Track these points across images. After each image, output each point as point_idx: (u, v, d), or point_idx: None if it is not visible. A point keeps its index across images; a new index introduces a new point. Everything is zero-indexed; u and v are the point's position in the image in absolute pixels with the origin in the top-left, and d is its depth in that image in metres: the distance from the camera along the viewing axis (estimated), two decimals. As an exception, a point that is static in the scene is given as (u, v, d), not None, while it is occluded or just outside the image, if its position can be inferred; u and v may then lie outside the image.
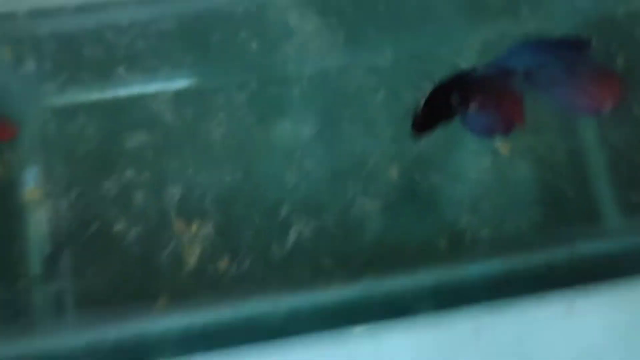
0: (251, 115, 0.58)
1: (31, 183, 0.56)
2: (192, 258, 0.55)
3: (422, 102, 0.53)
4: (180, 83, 0.59)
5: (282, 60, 0.59)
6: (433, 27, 0.60)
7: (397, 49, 0.58)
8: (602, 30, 0.58)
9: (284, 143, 0.57)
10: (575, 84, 0.53)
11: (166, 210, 0.56)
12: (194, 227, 0.56)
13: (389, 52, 0.59)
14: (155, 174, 0.57)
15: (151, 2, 0.60)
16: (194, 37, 0.59)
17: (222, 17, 0.60)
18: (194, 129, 0.57)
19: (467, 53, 0.57)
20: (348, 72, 0.59)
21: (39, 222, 0.55)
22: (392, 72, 0.58)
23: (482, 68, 0.55)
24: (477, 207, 0.56)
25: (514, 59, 0.54)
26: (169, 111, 0.58)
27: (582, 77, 0.54)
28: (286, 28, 0.59)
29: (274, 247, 0.55)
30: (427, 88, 0.53)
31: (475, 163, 0.57)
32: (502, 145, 0.57)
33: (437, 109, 0.53)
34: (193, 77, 0.59)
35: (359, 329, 0.50)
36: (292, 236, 0.55)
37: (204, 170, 0.57)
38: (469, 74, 0.54)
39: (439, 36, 0.59)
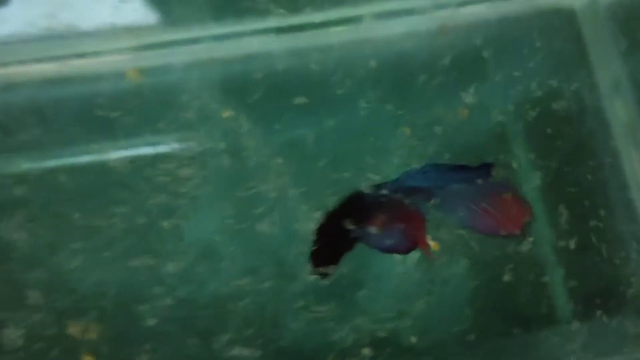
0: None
1: None
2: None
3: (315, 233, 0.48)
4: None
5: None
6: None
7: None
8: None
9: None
10: (477, 206, 0.49)
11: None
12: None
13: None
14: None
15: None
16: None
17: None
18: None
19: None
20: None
21: None
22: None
23: (381, 188, 0.50)
24: (402, 311, 0.51)
25: (414, 179, 0.50)
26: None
27: (484, 200, 0.49)
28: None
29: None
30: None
31: (401, 260, 0.52)
32: (430, 239, 0.52)
33: (332, 237, 0.48)
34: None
35: None
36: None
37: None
38: (364, 195, 0.50)
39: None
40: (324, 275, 0.49)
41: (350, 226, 0.48)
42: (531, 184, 0.54)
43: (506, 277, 0.52)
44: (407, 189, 0.49)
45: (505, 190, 0.50)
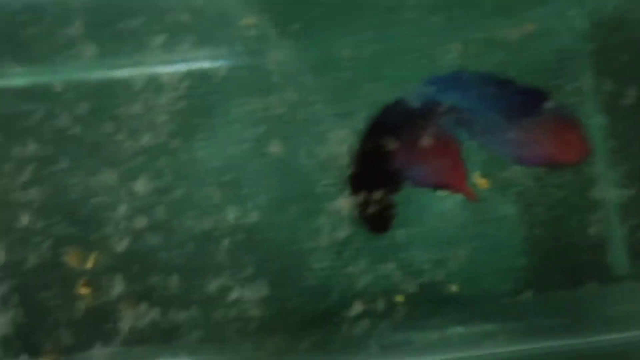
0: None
1: None
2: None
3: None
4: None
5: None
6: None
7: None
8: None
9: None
10: (523, 133, 0.42)
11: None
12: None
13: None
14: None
15: None
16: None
17: None
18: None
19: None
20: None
21: None
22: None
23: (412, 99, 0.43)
24: (443, 256, 0.44)
25: (443, 90, 0.42)
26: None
27: (533, 125, 0.42)
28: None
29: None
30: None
31: (446, 197, 0.45)
32: (479, 176, 0.45)
33: (372, 159, 0.42)
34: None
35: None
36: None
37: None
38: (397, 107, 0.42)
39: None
40: (365, 206, 0.43)
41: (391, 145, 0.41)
42: (597, 119, 0.46)
43: (566, 225, 0.45)
44: (433, 104, 0.42)
45: (563, 119, 0.43)
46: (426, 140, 0.43)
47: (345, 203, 0.45)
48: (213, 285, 0.44)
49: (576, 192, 0.45)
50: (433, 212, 0.45)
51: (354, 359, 0.43)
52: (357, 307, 0.43)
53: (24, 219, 0.45)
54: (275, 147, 0.46)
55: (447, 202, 0.45)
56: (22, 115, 0.46)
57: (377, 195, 0.43)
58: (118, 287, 0.44)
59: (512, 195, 0.45)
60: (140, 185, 0.45)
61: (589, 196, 0.45)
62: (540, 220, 0.45)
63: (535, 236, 0.45)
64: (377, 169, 0.42)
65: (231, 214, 0.45)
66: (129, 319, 0.44)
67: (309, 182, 0.45)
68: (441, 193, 0.45)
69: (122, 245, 0.45)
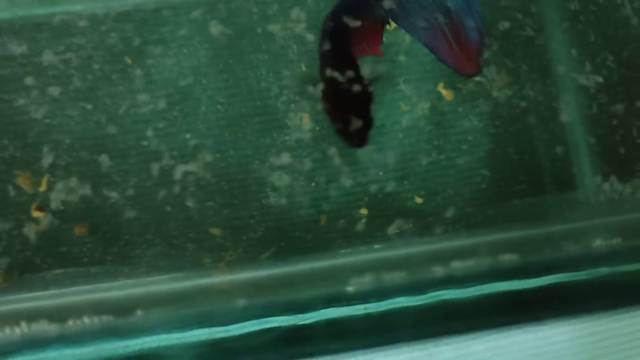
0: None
1: None
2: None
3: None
4: None
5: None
6: None
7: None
8: None
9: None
10: (439, 28, 0.41)
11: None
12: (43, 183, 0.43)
13: None
14: None
15: None
16: None
17: None
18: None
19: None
20: None
21: None
22: None
23: None
24: (407, 169, 0.44)
25: None
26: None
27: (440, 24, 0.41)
28: None
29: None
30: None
31: (409, 110, 0.44)
32: (444, 87, 0.44)
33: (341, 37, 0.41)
34: None
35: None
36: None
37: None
38: None
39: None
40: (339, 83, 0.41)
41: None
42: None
43: (530, 137, 0.44)
44: None
45: (467, 31, 0.42)
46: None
47: (306, 118, 0.43)
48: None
49: (542, 104, 0.44)
50: (397, 126, 0.44)
51: (316, 264, 0.42)
52: (322, 220, 0.43)
53: (-29, 142, 0.43)
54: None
55: (410, 115, 0.44)
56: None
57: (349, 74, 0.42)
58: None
59: (476, 107, 0.44)
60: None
61: (555, 108, 0.45)
62: (504, 133, 0.44)
63: (498, 148, 0.44)
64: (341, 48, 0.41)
65: (188, 135, 0.44)
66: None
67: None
68: (404, 107, 0.44)
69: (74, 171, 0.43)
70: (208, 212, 0.43)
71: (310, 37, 0.44)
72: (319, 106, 0.43)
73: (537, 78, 0.44)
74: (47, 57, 0.44)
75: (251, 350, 0.39)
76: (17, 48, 0.44)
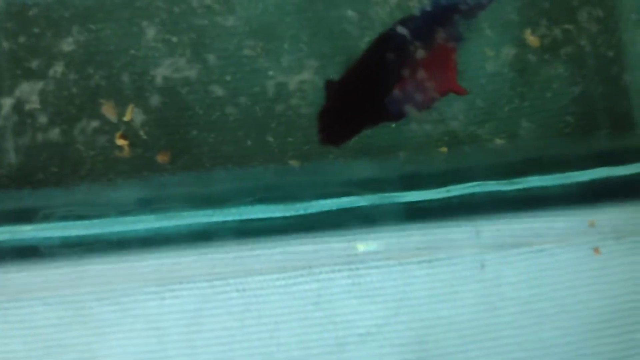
0: None
1: None
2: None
3: None
4: None
5: None
6: None
7: None
8: None
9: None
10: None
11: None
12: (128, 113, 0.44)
13: None
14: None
15: None
16: None
17: None
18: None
19: None
20: None
21: None
22: None
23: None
24: (490, 114, 0.43)
25: None
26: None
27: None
28: None
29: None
30: None
31: (494, 56, 0.44)
32: (530, 33, 0.44)
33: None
34: None
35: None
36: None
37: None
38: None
39: None
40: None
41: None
42: None
43: (615, 86, 0.44)
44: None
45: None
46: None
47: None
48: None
49: (631, 53, 0.44)
50: (481, 71, 0.43)
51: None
52: (402, 150, 0.43)
53: (59, 69, 0.44)
54: None
55: (495, 61, 0.43)
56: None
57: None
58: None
59: (562, 55, 0.43)
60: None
61: None
62: (590, 81, 0.43)
63: (583, 96, 0.43)
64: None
65: (270, 72, 0.44)
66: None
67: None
68: (489, 52, 0.43)
69: (155, 99, 0.44)
70: (287, 147, 0.43)
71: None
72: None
73: (627, 27, 0.44)
74: (137, -11, 0.44)
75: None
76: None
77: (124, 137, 0.44)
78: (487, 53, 0.44)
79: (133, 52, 0.44)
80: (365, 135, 0.43)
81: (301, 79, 0.44)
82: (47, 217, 0.42)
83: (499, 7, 0.44)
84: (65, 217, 0.42)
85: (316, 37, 0.44)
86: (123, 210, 0.42)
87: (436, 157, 0.43)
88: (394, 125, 0.43)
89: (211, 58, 0.44)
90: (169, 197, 0.43)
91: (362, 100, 0.42)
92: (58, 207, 0.43)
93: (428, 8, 0.42)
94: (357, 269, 0.41)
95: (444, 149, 0.43)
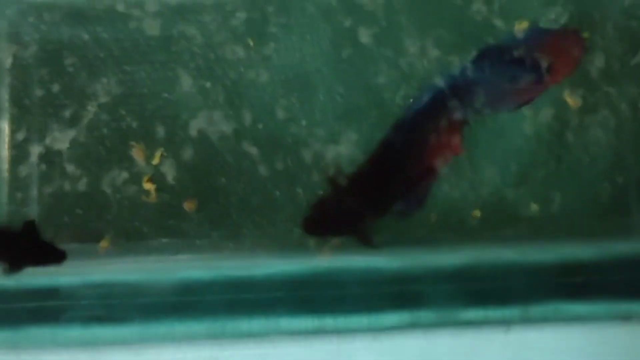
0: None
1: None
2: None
3: None
4: None
5: None
6: None
7: None
8: None
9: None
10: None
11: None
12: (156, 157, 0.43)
13: None
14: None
15: None
16: None
17: None
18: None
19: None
20: None
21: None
22: None
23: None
24: (525, 176, 0.42)
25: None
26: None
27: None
28: None
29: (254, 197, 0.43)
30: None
31: (531, 116, 0.43)
32: (570, 95, 0.43)
33: None
34: None
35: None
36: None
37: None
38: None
39: None
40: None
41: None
42: None
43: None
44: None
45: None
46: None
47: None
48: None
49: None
50: (518, 131, 0.43)
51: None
52: (434, 211, 0.42)
53: (91, 109, 0.44)
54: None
55: (533, 121, 0.43)
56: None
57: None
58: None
59: (602, 119, 0.43)
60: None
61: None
62: (629, 147, 0.42)
63: (621, 163, 0.42)
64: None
65: (304, 122, 0.43)
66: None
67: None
68: (528, 112, 0.43)
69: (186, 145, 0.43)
70: (317, 201, 0.43)
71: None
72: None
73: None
74: (173, 33, 0.44)
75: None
76: (145, 23, 0.44)
77: (151, 181, 0.43)
78: (525, 113, 0.43)
79: (166, 95, 0.44)
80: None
81: (338, 150, 0.43)
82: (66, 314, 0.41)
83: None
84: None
85: (351, 89, 0.44)
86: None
87: (468, 220, 0.42)
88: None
89: (246, 113, 0.43)
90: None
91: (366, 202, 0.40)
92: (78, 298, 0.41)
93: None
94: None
95: (477, 213, 0.42)
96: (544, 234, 0.41)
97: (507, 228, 0.42)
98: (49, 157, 0.43)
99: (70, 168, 0.43)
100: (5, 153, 0.43)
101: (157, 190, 0.43)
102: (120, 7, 0.44)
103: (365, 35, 0.44)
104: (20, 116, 0.43)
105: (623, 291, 0.39)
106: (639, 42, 0.43)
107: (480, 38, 0.43)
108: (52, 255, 0.41)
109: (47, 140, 0.43)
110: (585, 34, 0.43)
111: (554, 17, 0.43)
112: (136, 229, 0.42)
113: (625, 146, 0.42)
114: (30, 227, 0.41)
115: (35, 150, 0.43)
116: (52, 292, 0.40)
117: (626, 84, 0.43)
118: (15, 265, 0.40)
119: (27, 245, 0.41)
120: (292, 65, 0.44)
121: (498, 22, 0.43)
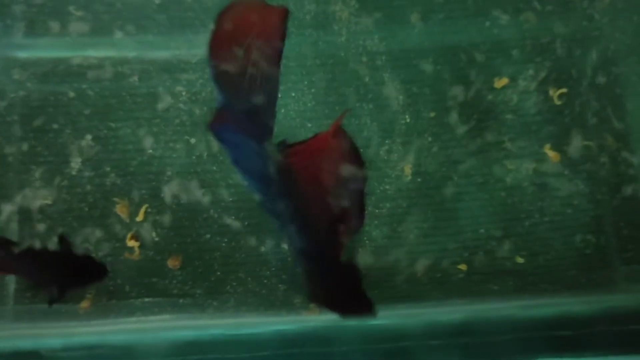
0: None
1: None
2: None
3: None
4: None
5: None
6: None
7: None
8: None
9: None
10: None
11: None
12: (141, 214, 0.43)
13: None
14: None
15: None
16: None
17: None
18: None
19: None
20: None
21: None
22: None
23: None
24: (509, 229, 0.43)
25: None
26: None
27: None
28: None
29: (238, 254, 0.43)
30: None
31: (513, 171, 0.43)
32: (550, 150, 0.43)
33: None
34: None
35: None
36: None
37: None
38: None
39: None
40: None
41: None
42: None
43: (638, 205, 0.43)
44: None
45: None
46: None
47: (408, 169, 0.43)
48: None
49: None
50: (500, 184, 0.43)
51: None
52: (420, 266, 0.42)
53: (74, 165, 0.43)
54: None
55: (515, 174, 0.43)
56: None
57: None
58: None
59: (583, 171, 0.43)
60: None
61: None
62: (611, 199, 0.43)
63: (605, 215, 0.43)
64: None
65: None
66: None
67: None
68: (509, 166, 0.43)
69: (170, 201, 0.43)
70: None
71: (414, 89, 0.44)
72: (422, 159, 0.43)
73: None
74: (158, 90, 0.44)
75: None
76: (131, 80, 0.45)
77: (135, 238, 0.43)
78: (507, 166, 0.43)
79: (151, 152, 0.44)
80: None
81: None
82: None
83: (520, 120, 0.44)
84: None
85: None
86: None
87: (455, 274, 0.42)
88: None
89: (231, 169, 0.43)
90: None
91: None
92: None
93: None
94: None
95: (464, 267, 0.42)
96: (531, 288, 0.41)
97: (494, 282, 0.42)
98: (26, 215, 0.42)
99: (51, 220, 0.42)
100: None
101: (141, 247, 0.43)
102: (107, 64, 0.44)
103: (348, 92, 0.45)
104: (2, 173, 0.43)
105: (612, 344, 0.39)
106: (613, 96, 0.44)
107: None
108: (95, 270, 0.40)
109: (29, 197, 0.42)
110: (563, 90, 0.44)
111: (532, 73, 0.44)
112: (118, 288, 0.42)
113: (605, 198, 0.43)
114: (65, 243, 0.40)
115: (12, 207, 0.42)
116: (33, 355, 0.39)
117: (605, 137, 0.44)
118: (63, 288, 0.39)
119: (68, 262, 0.40)
120: (278, 120, 0.44)
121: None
